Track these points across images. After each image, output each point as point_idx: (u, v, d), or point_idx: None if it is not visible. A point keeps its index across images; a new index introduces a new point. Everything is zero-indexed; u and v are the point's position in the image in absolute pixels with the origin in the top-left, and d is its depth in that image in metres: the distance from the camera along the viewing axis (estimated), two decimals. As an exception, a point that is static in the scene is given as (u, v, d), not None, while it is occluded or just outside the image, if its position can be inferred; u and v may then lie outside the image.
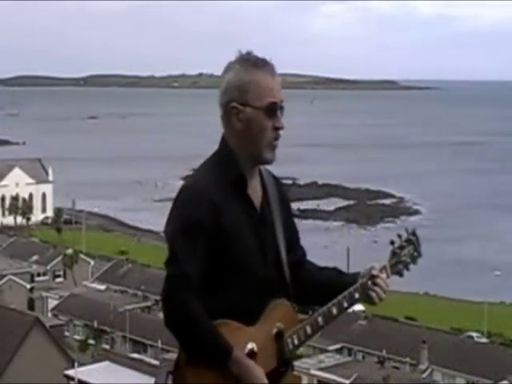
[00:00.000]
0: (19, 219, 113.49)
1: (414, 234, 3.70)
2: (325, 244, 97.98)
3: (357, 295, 3.58)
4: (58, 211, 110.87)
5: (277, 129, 3.54)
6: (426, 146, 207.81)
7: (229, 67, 3.58)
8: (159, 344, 58.31)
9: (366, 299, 3.60)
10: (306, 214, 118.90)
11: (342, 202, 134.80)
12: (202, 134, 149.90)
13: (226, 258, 3.48)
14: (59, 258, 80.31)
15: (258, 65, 3.53)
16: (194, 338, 3.38)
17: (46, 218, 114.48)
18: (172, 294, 3.39)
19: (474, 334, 65.34)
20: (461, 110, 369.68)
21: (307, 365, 53.58)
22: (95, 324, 65.38)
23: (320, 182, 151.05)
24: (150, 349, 61.43)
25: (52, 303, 70.56)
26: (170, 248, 3.46)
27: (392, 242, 3.67)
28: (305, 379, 53.30)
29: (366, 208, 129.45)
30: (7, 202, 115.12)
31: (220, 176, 3.52)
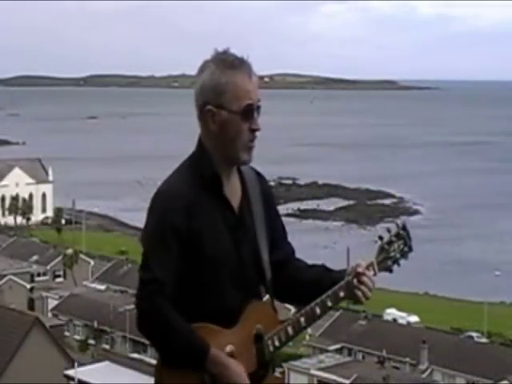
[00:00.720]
0: (19, 219, 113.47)
1: (404, 228, 3.61)
2: (325, 244, 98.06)
3: (342, 294, 3.48)
4: (58, 211, 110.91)
5: (253, 131, 3.46)
6: (426, 146, 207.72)
7: (204, 66, 3.50)
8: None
9: (352, 298, 3.50)
10: (305, 214, 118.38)
11: (342, 202, 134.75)
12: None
13: (201, 261, 3.42)
14: (59, 258, 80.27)
15: (234, 65, 3.42)
16: (169, 339, 3.34)
17: (46, 218, 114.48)
18: (145, 299, 3.40)
19: (474, 334, 65.30)
20: (461, 110, 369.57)
21: (307, 365, 53.62)
22: (95, 324, 65.40)
23: (320, 182, 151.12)
24: (149, 349, 61.36)
25: (52, 303, 70.53)
26: (144, 253, 3.46)
27: (380, 237, 3.57)
28: (305, 379, 53.32)
29: (366, 208, 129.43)
30: (7, 202, 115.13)
31: (194, 177, 3.45)
